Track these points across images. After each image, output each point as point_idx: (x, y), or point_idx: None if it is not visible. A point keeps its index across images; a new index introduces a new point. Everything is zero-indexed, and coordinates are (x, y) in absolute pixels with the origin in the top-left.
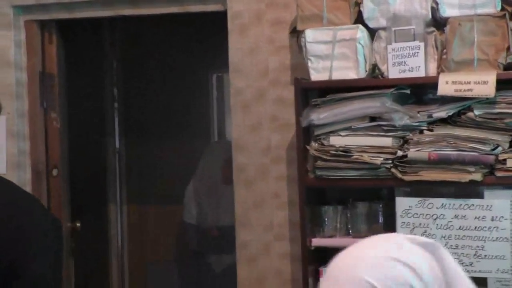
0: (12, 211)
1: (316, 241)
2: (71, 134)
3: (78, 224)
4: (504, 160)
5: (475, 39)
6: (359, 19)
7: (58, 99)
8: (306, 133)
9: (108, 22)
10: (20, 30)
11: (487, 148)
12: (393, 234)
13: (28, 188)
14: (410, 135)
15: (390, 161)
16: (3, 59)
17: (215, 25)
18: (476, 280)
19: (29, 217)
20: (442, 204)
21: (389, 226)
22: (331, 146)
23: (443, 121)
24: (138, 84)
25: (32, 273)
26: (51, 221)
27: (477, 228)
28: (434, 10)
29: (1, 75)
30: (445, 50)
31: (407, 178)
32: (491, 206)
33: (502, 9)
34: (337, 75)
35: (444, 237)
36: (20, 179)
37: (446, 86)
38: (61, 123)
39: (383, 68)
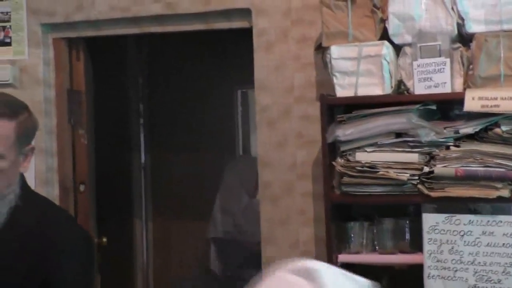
0: (45, 225)
1: (343, 258)
2: (98, 150)
3: (104, 240)
4: None
5: (502, 55)
6: (384, 36)
7: (85, 116)
8: (331, 149)
9: (134, 38)
10: (49, 47)
11: None
12: (275, 271)
13: None
14: (437, 151)
15: (417, 177)
16: (32, 76)
17: (240, 41)
18: None
19: (62, 231)
20: (470, 220)
21: (416, 243)
22: (357, 162)
23: (470, 137)
24: (163, 100)
25: (65, 286)
26: (83, 235)
27: (505, 245)
28: (460, 26)
29: (30, 92)
30: (471, 66)
31: (433, 194)
32: None
33: None
34: (363, 91)
35: (472, 253)
36: (48, 195)
37: (473, 102)
38: (88, 139)
39: (408, 84)
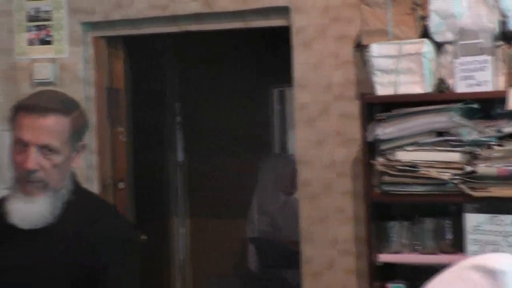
0: (97, 220)
1: (383, 257)
2: (135, 148)
3: (143, 237)
4: None
5: None
6: (424, 33)
7: (124, 113)
8: (371, 148)
9: (171, 36)
10: (88, 46)
11: None
12: (460, 265)
13: None
14: (479, 150)
15: (458, 177)
16: (73, 74)
17: (277, 39)
18: None
19: (112, 227)
20: None
21: (457, 243)
22: (397, 161)
23: None
24: (200, 98)
25: (113, 281)
26: (132, 231)
27: None
28: (502, 24)
29: (70, 90)
30: None
31: (476, 194)
32: None
33: None
34: (403, 90)
35: None
36: None
37: None
38: (127, 137)
39: (449, 82)
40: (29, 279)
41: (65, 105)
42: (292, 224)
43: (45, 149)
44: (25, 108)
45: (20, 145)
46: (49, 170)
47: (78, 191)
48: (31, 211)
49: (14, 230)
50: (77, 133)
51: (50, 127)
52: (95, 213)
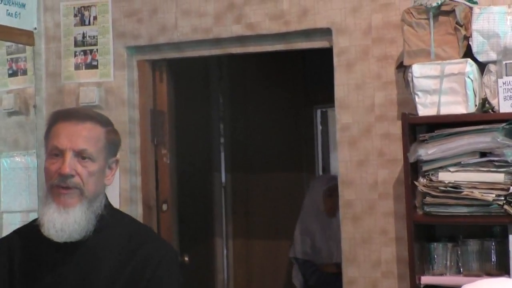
0: (135, 239)
1: (426, 279)
2: (179, 169)
3: (186, 258)
4: None
5: None
6: (467, 53)
7: (168, 135)
8: (413, 169)
9: (215, 58)
10: (133, 69)
11: None
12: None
13: None
14: None
15: (503, 198)
16: (118, 97)
17: (319, 60)
18: None
19: (154, 247)
20: None
21: (503, 265)
22: (440, 182)
23: None
24: (243, 119)
25: None
26: (172, 251)
27: None
28: None
29: (115, 113)
30: None
31: None
32: None
33: None
34: (446, 110)
35: None
36: (132, 213)
37: None
38: (171, 158)
39: (493, 102)
40: None
41: (101, 117)
42: (331, 246)
43: (81, 155)
44: (63, 115)
45: (55, 154)
46: (85, 177)
47: (111, 209)
48: (66, 221)
49: (50, 246)
50: (111, 146)
51: (87, 133)
52: (138, 234)
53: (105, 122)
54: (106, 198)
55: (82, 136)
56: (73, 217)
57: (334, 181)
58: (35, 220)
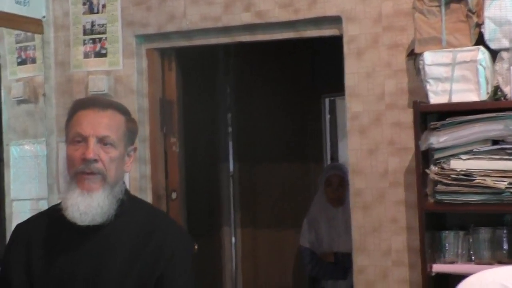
0: (154, 226)
1: (437, 267)
2: (187, 158)
3: (195, 247)
4: None
5: None
6: (479, 41)
7: (177, 124)
8: (424, 157)
9: (222, 47)
10: (142, 58)
11: None
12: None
13: None
14: None
15: None
16: (126, 86)
17: (327, 48)
18: None
19: (169, 233)
20: None
21: None
22: (452, 170)
23: None
24: (250, 109)
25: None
26: (187, 239)
27: None
28: None
29: (124, 102)
30: None
31: None
32: None
33: None
34: (457, 98)
35: None
36: None
37: None
38: (180, 147)
39: (505, 90)
40: (93, 281)
41: (121, 106)
42: (333, 236)
43: (104, 141)
44: (85, 104)
45: (77, 141)
46: (107, 162)
47: (130, 195)
48: (90, 204)
49: (71, 229)
50: (130, 134)
51: (109, 120)
52: (154, 220)
53: (124, 111)
54: (125, 184)
55: (104, 123)
56: (96, 201)
57: (334, 171)
58: (57, 205)
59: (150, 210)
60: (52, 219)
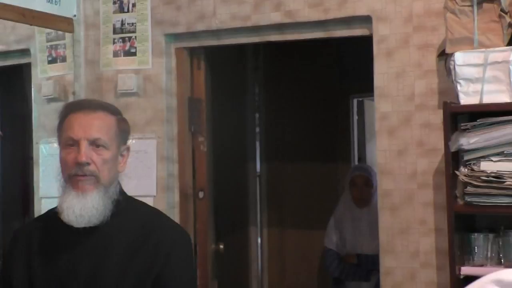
0: (150, 227)
1: (466, 270)
2: (215, 158)
3: (221, 246)
4: None
5: None
6: None
7: (205, 123)
8: (454, 158)
9: (251, 47)
10: (171, 57)
11: None
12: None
13: (176, 210)
14: None
15: None
16: (156, 85)
17: (355, 48)
18: None
19: (166, 232)
20: None
21: None
22: (482, 171)
23: None
24: (278, 109)
25: (178, 284)
26: (184, 237)
27: None
28: None
29: (153, 101)
30: None
31: None
32: None
33: None
34: (489, 99)
35: None
36: (169, 201)
37: None
38: (207, 146)
39: None
40: (93, 280)
41: (111, 106)
42: (357, 237)
43: (95, 144)
44: (75, 107)
45: (70, 144)
46: (100, 164)
47: (125, 195)
48: (84, 206)
49: (68, 231)
50: (122, 134)
51: (100, 122)
52: (150, 220)
53: (115, 111)
54: (120, 185)
55: (95, 125)
56: (91, 202)
57: (358, 171)
58: (53, 209)
59: (147, 209)
60: (49, 222)
